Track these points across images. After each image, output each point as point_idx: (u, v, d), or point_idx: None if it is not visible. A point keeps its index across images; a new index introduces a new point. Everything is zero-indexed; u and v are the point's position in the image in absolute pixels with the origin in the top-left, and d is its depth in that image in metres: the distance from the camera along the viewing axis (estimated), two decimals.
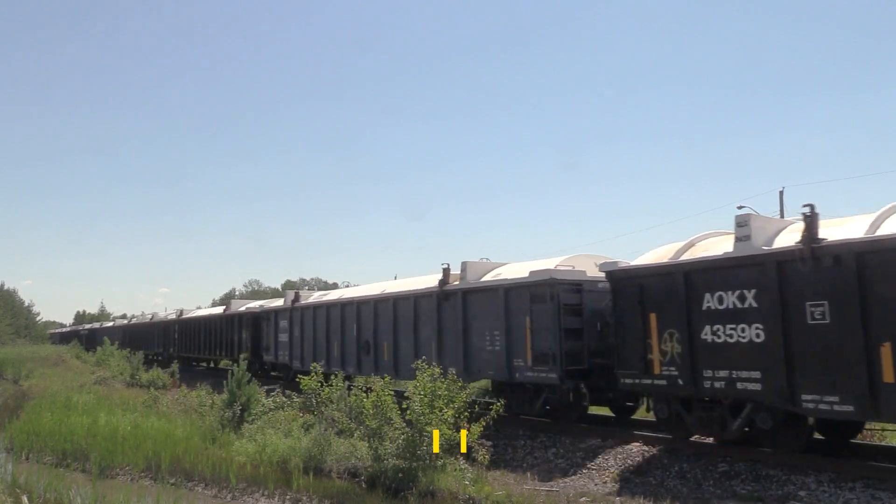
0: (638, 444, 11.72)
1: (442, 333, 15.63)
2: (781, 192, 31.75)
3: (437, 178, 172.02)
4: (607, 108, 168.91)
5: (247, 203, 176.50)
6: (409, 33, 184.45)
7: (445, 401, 11.45)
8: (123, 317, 78.00)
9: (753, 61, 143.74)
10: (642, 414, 13.64)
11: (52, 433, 15.78)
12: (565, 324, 12.78)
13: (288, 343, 23.59)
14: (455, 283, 15.54)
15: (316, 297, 23.25)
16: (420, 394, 11.35)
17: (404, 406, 11.34)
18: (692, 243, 11.38)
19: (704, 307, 10.30)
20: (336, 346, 20.20)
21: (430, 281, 16.49)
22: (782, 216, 30.64)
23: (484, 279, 15.04)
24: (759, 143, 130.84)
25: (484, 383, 17.58)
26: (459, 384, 12.08)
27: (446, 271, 15.74)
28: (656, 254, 11.78)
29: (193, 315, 38.41)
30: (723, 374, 10.02)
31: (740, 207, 32.83)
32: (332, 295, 22.44)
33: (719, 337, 10.10)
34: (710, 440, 11.18)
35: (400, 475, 10.77)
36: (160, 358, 40.26)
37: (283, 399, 16.28)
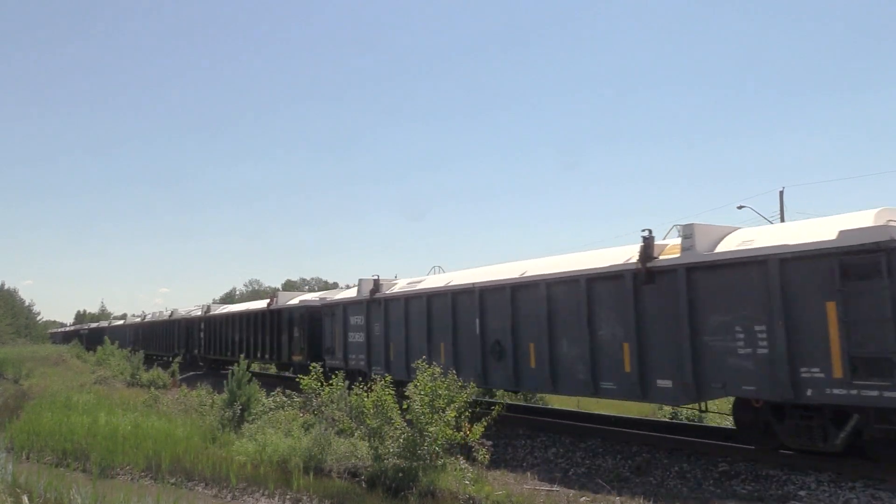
0: (637, 443, 11.73)
1: (642, 330, 11.15)
2: (781, 192, 31.76)
3: (437, 178, 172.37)
4: (607, 108, 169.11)
5: (247, 203, 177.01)
6: (409, 33, 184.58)
7: (446, 401, 11.45)
8: (123, 316, 77.77)
9: (753, 61, 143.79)
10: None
11: (53, 433, 15.78)
12: None
13: (364, 344, 18.82)
14: (669, 255, 11.01)
15: (404, 285, 18.27)
16: (420, 394, 11.35)
17: (405, 406, 11.34)
18: None
19: None
20: (443, 348, 15.50)
21: (615, 256, 12.16)
22: (782, 216, 30.66)
23: (723, 249, 10.38)
24: (759, 143, 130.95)
25: (720, 403, 13.40)
26: (460, 384, 11.98)
27: (649, 241, 11.25)
28: None
29: (225, 311, 33.08)
30: None
31: (740, 207, 32.91)
32: (432, 282, 17.26)
33: None
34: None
35: (400, 475, 10.77)
36: (182, 360, 34.19)
37: (283, 399, 16.31)
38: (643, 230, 11.37)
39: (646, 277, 11.12)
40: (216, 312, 33.43)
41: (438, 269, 18.80)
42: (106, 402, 20.44)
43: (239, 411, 15.49)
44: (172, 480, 12.33)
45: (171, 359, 36.33)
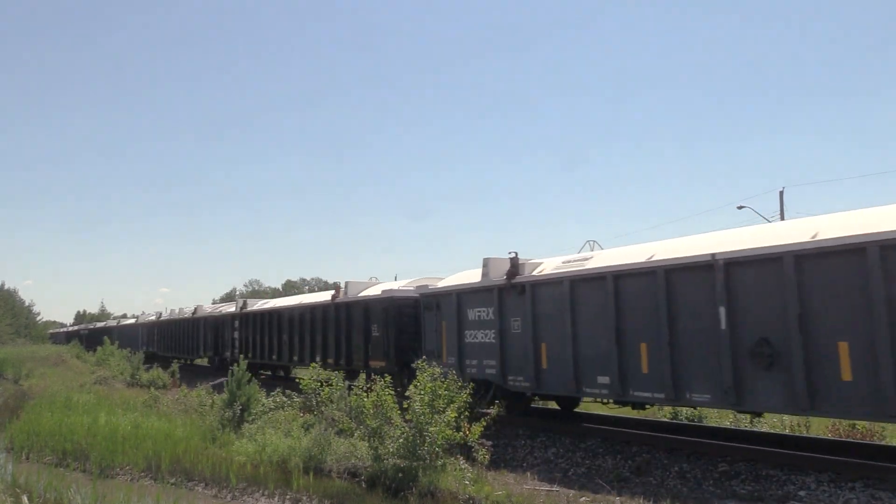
0: (637, 444, 11.73)
1: None
2: (781, 193, 31.82)
3: (437, 178, 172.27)
4: (607, 108, 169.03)
5: (247, 204, 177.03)
6: (409, 34, 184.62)
7: (446, 401, 11.46)
8: (127, 315, 77.60)
9: (753, 62, 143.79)
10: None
11: (53, 433, 15.76)
12: None
13: (495, 346, 14.17)
14: None
15: (559, 264, 13.49)
16: (420, 394, 11.35)
17: (405, 405, 11.34)
18: None
19: None
20: (644, 351, 11.09)
21: None
22: (782, 216, 30.72)
23: None
24: (759, 143, 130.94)
25: None
26: (459, 384, 12.05)
27: None
28: None
29: (268, 306, 28.27)
30: None
31: (740, 207, 32.96)
32: (613, 257, 12.45)
33: None
34: None
35: (400, 475, 10.77)
36: (210, 364, 30.67)
37: (283, 399, 16.31)
38: None
39: None
40: (255, 308, 28.75)
41: (594, 243, 14.70)
42: (106, 403, 20.44)
43: (239, 411, 15.49)
44: (172, 480, 12.33)
45: (191, 362, 33.75)
